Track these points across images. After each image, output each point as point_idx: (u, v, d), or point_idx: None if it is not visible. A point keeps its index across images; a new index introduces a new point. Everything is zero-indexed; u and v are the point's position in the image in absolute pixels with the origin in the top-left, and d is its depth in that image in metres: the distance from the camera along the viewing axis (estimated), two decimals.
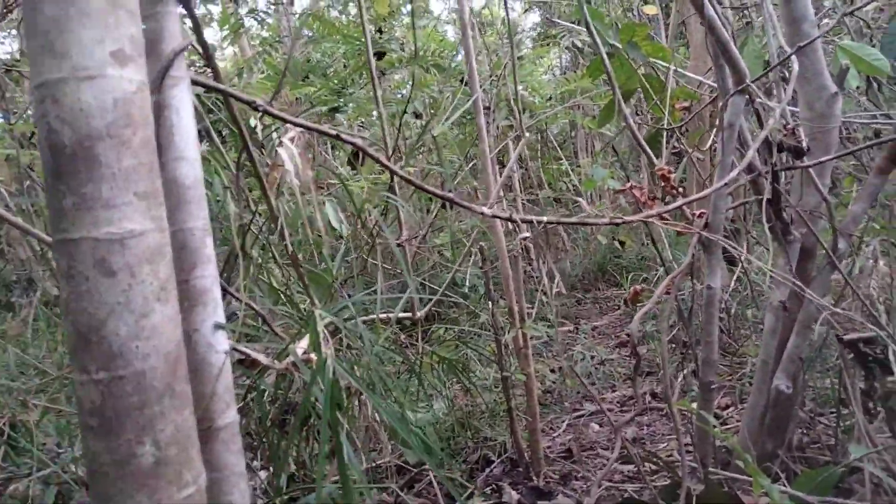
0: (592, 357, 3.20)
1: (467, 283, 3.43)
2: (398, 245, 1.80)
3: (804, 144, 1.65)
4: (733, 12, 3.24)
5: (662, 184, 1.72)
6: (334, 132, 1.07)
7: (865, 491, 1.57)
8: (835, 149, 1.78)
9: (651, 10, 3.96)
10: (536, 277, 4.48)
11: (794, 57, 1.59)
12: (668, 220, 1.56)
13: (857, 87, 2.08)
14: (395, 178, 1.89)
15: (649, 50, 2.42)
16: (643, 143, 1.88)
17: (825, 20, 2.64)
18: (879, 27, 2.56)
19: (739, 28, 2.84)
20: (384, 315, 1.70)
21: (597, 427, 2.52)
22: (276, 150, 1.24)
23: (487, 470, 2.19)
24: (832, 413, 1.86)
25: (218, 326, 0.91)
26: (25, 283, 3.40)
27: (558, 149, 5.47)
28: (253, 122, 1.55)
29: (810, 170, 1.72)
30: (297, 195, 1.20)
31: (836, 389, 1.74)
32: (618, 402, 2.70)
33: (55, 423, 1.38)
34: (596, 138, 5.74)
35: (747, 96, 1.69)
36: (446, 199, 1.15)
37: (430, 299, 1.79)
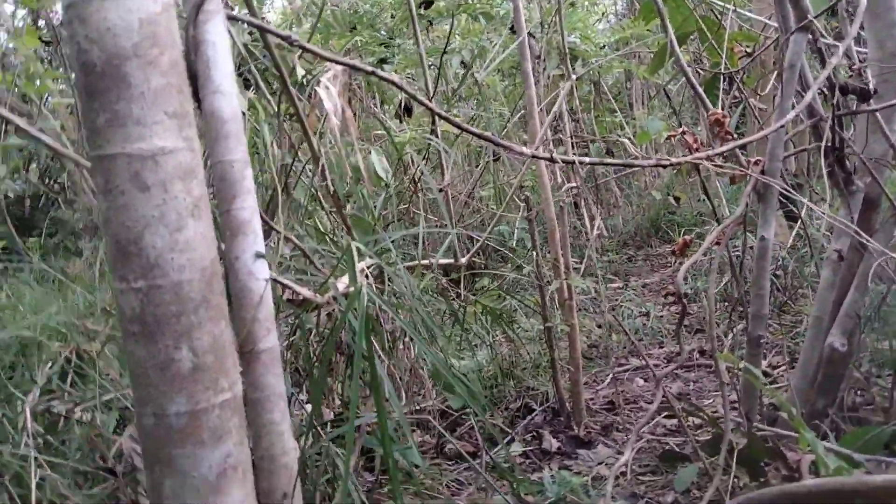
0: (641, 313, 3.16)
1: (515, 237, 3.41)
2: (440, 190, 1.80)
3: (871, 86, 1.54)
4: None
5: (717, 129, 1.65)
6: (370, 69, 1.06)
7: None
8: None
9: None
10: (586, 233, 4.41)
11: None
12: (719, 164, 1.50)
13: None
14: (438, 124, 1.88)
15: None
16: (698, 88, 1.80)
17: None
18: None
19: None
20: (427, 261, 1.71)
21: (641, 382, 2.50)
22: (315, 90, 1.24)
23: (529, 418, 2.21)
24: (889, 375, 1.78)
25: (259, 256, 0.93)
26: (92, 230, 3.58)
27: (612, 100, 5.30)
28: (296, 67, 1.56)
29: (877, 114, 1.61)
30: (337, 136, 1.21)
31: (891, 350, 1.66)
32: (664, 359, 2.66)
33: (115, 354, 1.47)
34: (653, 89, 5.53)
35: (810, 35, 1.58)
36: (484, 139, 1.14)
37: (475, 247, 1.79)
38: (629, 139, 4.90)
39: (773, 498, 0.64)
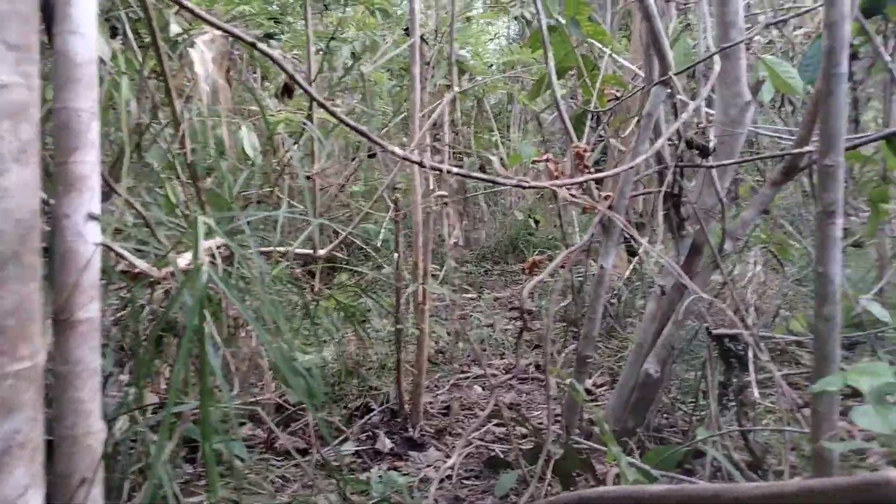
0: (488, 325, 3.29)
1: (381, 237, 3.41)
2: (307, 178, 1.76)
3: (711, 145, 1.73)
4: (676, 10, 3.33)
5: (577, 162, 1.77)
6: (251, 40, 1.02)
7: (705, 472, 1.72)
8: (738, 154, 1.89)
9: None
10: (450, 241, 4.52)
11: (717, 59, 1.66)
12: (573, 194, 1.61)
13: (771, 101, 2.20)
14: (315, 111, 1.83)
15: (590, 30, 2.45)
16: (567, 121, 1.92)
17: (756, 31, 2.78)
18: (805, 51, 2.73)
19: (682, 28, 2.93)
20: (283, 249, 1.66)
21: (479, 390, 2.60)
22: (188, 51, 1.16)
23: (366, 417, 2.22)
24: (692, 402, 2.00)
25: (91, 217, 0.85)
26: None
27: (492, 119, 5.49)
28: (169, 24, 1.45)
29: (712, 171, 1.81)
30: (204, 104, 1.14)
31: (699, 380, 1.87)
32: (503, 370, 2.79)
33: None
34: (530, 114, 5.80)
35: (669, 90, 1.75)
36: (359, 132, 1.13)
37: (336, 241, 1.77)
38: (501, 159, 5.12)
39: (569, 500, 0.69)
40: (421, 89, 2.11)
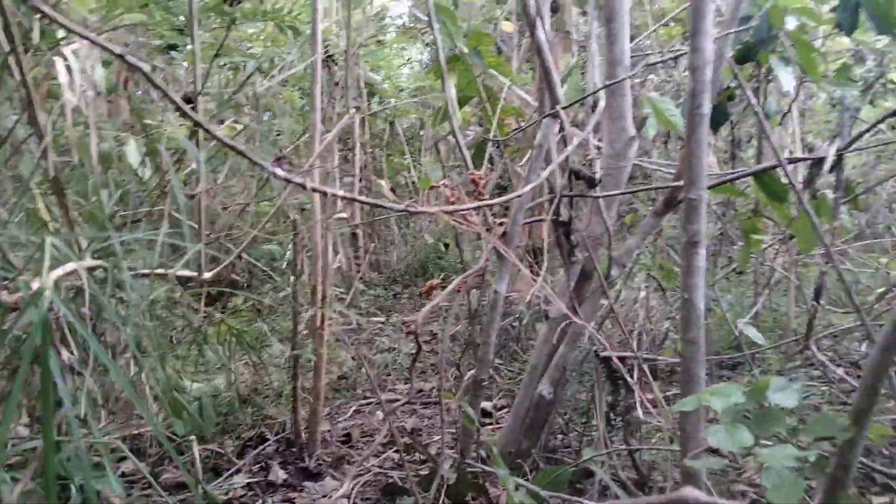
0: (393, 349, 3.26)
1: (286, 259, 3.32)
2: (190, 197, 1.69)
3: (597, 176, 1.81)
4: (577, 47, 3.50)
5: (472, 188, 1.80)
6: (119, 51, 0.97)
7: (594, 491, 1.77)
8: (624, 186, 1.99)
9: (508, 27, 4.13)
10: (358, 265, 4.47)
11: (602, 94, 1.75)
12: (468, 219, 1.63)
13: (654, 137, 2.34)
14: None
15: (492, 62, 2.53)
16: (463, 148, 1.96)
17: (638, 70, 2.95)
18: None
19: (575, 65, 3.07)
20: (162, 271, 1.57)
21: (381, 415, 2.57)
22: (54, 59, 1.10)
23: (260, 448, 2.13)
24: (584, 422, 2.06)
25: None
26: None
27: (405, 143, 5.53)
28: (34, 29, 1.36)
29: (599, 201, 1.89)
30: (69, 113, 1.07)
31: (589, 401, 1.93)
32: (407, 394, 2.77)
33: None
34: (442, 140, 5.89)
35: (560, 122, 1.82)
36: (235, 151, 1.09)
37: (224, 262, 1.70)
38: (414, 183, 5.15)
39: None
40: (327, 109, 2.10)
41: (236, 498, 1.81)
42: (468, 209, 1.38)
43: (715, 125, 2.53)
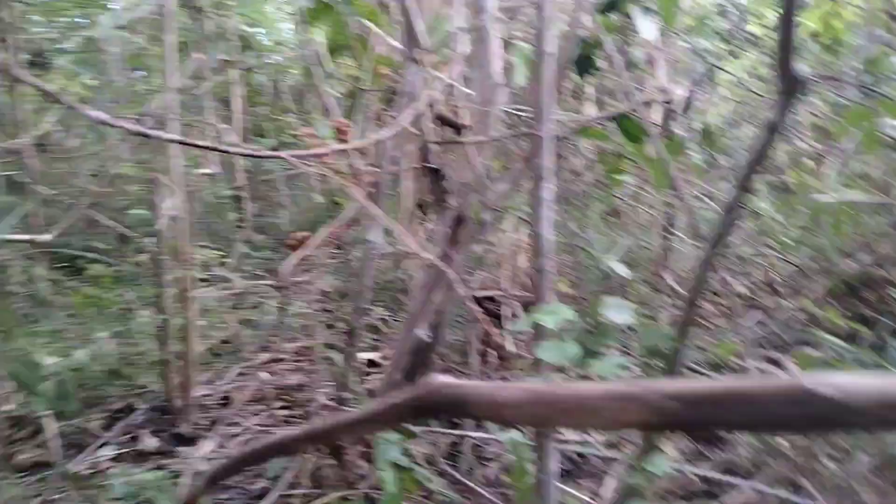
0: (283, 309, 3.19)
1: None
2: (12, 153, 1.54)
3: (464, 122, 1.82)
4: None
5: (338, 136, 1.76)
6: None
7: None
8: (492, 132, 2.01)
9: None
10: (244, 227, 4.31)
11: (463, 40, 1.74)
12: (336, 169, 1.60)
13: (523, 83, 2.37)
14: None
15: (363, 9, 2.45)
16: (326, 98, 1.90)
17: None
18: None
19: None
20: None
21: (267, 376, 2.52)
22: None
23: (130, 418, 2.03)
24: (462, 360, 2.12)
25: None
26: None
27: (292, 101, 5.31)
28: None
29: (468, 147, 1.91)
30: None
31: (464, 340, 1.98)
32: (293, 352, 2.73)
33: None
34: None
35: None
36: (59, 101, 1.00)
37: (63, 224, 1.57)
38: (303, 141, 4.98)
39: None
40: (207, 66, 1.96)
41: (101, 471, 1.72)
42: (321, 154, 1.34)
43: (582, 71, 2.61)
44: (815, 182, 3.00)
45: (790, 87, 0.91)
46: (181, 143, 1.14)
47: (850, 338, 2.02)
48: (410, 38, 1.78)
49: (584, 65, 2.53)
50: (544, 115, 1.22)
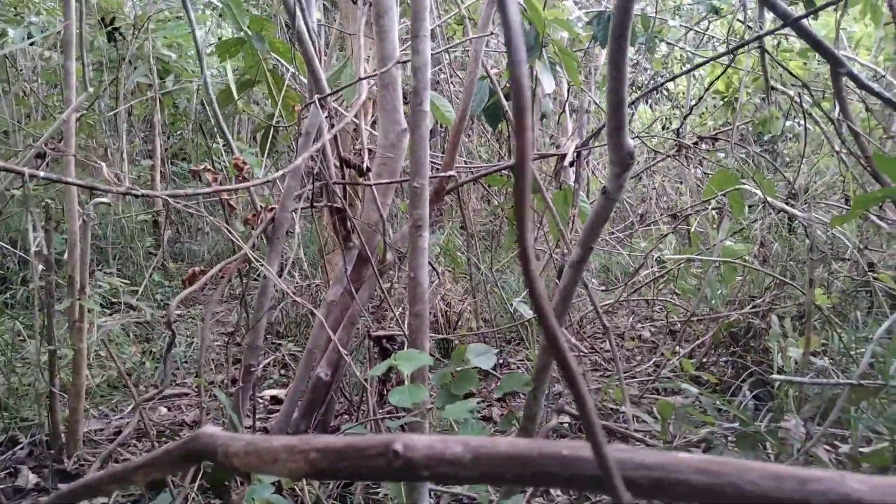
0: (192, 342, 3.13)
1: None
2: None
3: (366, 165, 1.89)
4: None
5: (237, 173, 1.79)
6: None
7: None
8: (398, 175, 2.09)
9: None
10: (156, 254, 4.21)
11: (362, 85, 1.82)
12: (231, 205, 1.62)
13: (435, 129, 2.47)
14: None
15: (279, 48, 2.51)
16: (227, 132, 1.93)
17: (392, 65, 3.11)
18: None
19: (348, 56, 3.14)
20: None
21: (164, 410, 2.46)
22: None
23: (10, 453, 1.95)
24: (360, 399, 2.15)
25: None
26: None
27: (224, 126, 5.26)
28: None
29: (373, 189, 1.98)
30: None
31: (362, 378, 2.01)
32: (196, 386, 2.68)
33: None
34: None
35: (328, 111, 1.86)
36: None
37: None
38: (226, 167, 4.93)
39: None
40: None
41: None
42: (209, 192, 1.37)
43: (492, 121, 2.75)
44: (713, 233, 3.23)
45: (622, 159, 1.02)
46: (59, 181, 1.15)
47: (726, 387, 2.18)
48: (313, 79, 1.84)
49: (495, 113, 2.67)
50: (421, 167, 1.29)
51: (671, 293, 3.28)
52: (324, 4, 4.16)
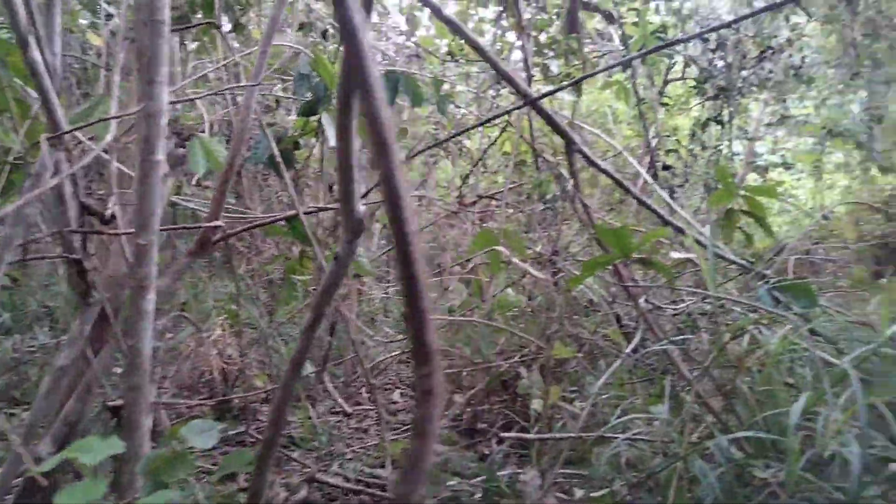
0: None
1: None
2: None
3: (109, 212, 1.70)
4: None
5: None
6: None
7: None
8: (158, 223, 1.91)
9: (96, 40, 3.74)
10: None
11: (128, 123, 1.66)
12: None
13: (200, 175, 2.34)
14: None
15: (20, 71, 2.22)
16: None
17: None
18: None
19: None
20: None
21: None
22: None
23: None
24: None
25: None
26: None
27: None
28: None
29: (122, 239, 1.78)
30: None
31: None
32: None
33: None
34: None
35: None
36: None
37: None
38: None
39: None
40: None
41: None
42: None
43: (274, 169, 2.68)
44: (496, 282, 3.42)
45: (353, 226, 1.01)
46: None
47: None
48: (48, 116, 1.63)
49: (284, 161, 2.60)
50: (149, 222, 1.19)
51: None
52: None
